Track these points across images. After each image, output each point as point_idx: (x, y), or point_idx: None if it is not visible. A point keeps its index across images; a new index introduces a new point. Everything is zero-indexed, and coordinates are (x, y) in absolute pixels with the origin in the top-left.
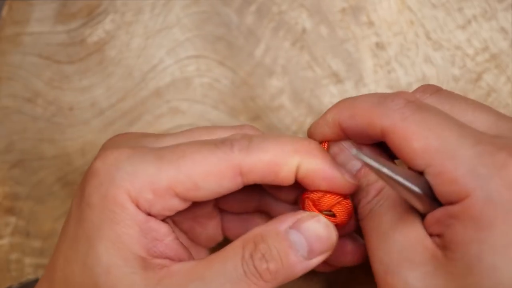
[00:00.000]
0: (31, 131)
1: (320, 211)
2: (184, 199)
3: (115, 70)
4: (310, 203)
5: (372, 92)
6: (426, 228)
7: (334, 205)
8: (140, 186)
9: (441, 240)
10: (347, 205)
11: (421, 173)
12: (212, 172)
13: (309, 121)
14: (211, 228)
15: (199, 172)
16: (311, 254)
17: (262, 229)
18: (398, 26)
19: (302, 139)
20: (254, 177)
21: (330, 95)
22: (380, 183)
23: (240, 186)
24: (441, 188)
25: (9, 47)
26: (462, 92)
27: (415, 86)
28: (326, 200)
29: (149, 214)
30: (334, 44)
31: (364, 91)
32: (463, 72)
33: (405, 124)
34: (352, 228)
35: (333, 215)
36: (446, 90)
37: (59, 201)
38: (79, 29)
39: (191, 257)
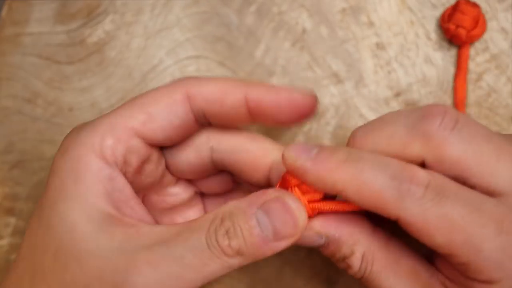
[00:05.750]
0: (31, 131)
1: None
2: (143, 137)
3: (115, 70)
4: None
5: (372, 92)
6: (436, 262)
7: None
8: (100, 136)
9: (454, 286)
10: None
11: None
12: (161, 98)
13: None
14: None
15: (149, 102)
16: (276, 236)
17: (232, 206)
18: (398, 26)
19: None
20: (201, 103)
21: (330, 95)
22: (357, 254)
23: (191, 116)
24: (466, 273)
25: (9, 48)
26: None
27: (415, 87)
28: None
29: (116, 165)
30: (334, 44)
31: (364, 91)
32: None
33: (426, 218)
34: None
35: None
36: (465, 122)
37: None
38: (79, 29)
39: (156, 223)
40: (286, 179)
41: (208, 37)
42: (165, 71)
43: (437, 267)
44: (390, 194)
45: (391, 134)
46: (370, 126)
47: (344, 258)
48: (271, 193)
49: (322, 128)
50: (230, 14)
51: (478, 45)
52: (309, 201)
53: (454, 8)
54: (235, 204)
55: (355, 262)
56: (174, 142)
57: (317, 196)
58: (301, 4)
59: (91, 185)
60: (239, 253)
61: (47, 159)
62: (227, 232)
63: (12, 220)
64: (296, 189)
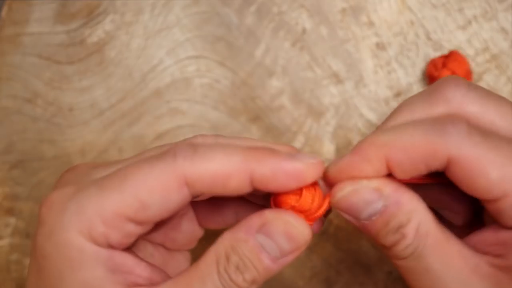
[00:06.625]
0: (31, 131)
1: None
2: (137, 222)
3: (115, 70)
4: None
5: (372, 92)
6: (476, 246)
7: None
8: (89, 222)
9: (503, 260)
10: (317, 193)
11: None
12: (156, 186)
13: (309, 121)
14: (186, 226)
15: (143, 189)
16: (283, 253)
17: (231, 238)
18: (398, 26)
19: (254, 148)
20: (201, 188)
21: (330, 95)
22: (413, 223)
23: (189, 199)
24: None
25: (9, 48)
26: None
27: (415, 87)
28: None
29: (111, 247)
30: (334, 44)
31: (364, 91)
32: None
33: (478, 151)
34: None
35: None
36: (476, 85)
37: None
38: (78, 29)
39: (166, 277)
40: (280, 200)
41: (208, 37)
42: (165, 71)
43: (480, 250)
44: (437, 136)
45: (411, 109)
46: (385, 121)
47: (399, 228)
48: (266, 215)
49: (322, 128)
50: (230, 14)
51: (478, 45)
52: (306, 219)
53: (447, 57)
54: (232, 236)
55: (410, 232)
56: (168, 218)
57: (314, 210)
58: (301, 4)
59: (92, 270)
60: (254, 281)
61: (47, 159)
62: (237, 267)
63: (12, 220)
64: (291, 210)
